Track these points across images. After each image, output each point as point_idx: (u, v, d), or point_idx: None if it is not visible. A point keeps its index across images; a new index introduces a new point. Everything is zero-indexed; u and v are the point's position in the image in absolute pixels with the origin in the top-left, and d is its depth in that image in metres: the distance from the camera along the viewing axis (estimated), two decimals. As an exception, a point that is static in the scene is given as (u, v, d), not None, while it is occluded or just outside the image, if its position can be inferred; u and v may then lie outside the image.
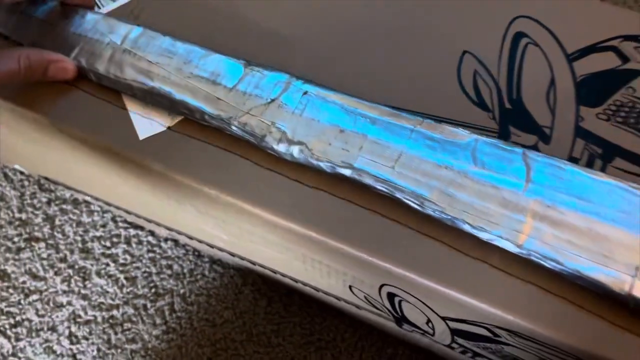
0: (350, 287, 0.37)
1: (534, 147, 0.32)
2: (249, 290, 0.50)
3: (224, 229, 0.38)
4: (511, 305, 0.29)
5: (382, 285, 0.33)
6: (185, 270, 0.51)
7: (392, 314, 0.38)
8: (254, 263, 0.45)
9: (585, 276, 0.28)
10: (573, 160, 0.32)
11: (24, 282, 0.51)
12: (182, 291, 0.50)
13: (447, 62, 0.35)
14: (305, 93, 0.32)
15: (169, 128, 0.33)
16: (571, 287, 0.29)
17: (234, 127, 0.32)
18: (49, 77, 0.34)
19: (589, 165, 0.32)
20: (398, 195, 0.30)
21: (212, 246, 0.46)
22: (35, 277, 0.51)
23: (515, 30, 0.36)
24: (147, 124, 0.33)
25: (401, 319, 0.39)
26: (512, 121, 0.33)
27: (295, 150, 0.31)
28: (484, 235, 0.29)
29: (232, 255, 0.45)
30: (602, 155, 0.32)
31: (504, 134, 0.33)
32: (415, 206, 0.30)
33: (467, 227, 0.29)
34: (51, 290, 0.51)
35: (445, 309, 0.32)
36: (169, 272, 0.51)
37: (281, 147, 0.31)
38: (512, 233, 0.29)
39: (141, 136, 0.33)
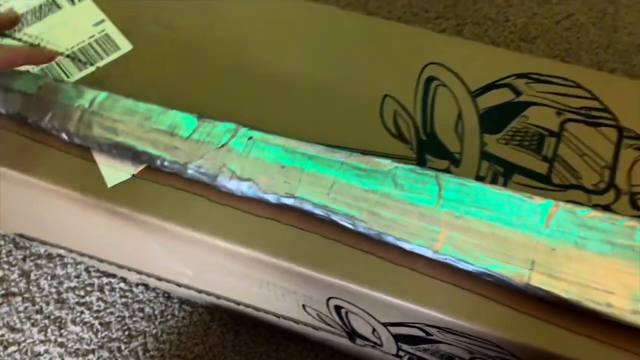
0: (303, 306, 0.41)
1: (447, 170, 0.38)
2: (217, 325, 0.54)
3: (188, 263, 0.43)
4: (435, 303, 0.34)
5: (329, 299, 0.38)
6: (156, 312, 0.54)
7: (343, 328, 0.43)
8: (218, 297, 0.49)
9: (492, 272, 0.33)
10: (479, 178, 0.38)
11: (2, 335, 0.53)
12: (154, 331, 0.53)
13: (371, 105, 0.41)
14: (250, 138, 0.38)
15: (133, 175, 0.38)
16: (483, 284, 0.34)
17: (190, 171, 0.37)
18: None
19: (493, 182, 0.38)
20: (333, 217, 0.35)
21: (179, 285, 0.50)
22: (13, 329, 0.54)
23: (427, 75, 0.43)
24: (114, 173, 0.38)
25: (352, 333, 0.43)
26: (427, 150, 0.39)
27: (244, 186, 0.36)
28: (406, 246, 0.34)
29: (199, 291, 0.49)
30: (503, 173, 0.38)
31: (421, 161, 0.39)
32: (348, 225, 0.35)
33: (391, 240, 0.34)
34: (29, 340, 0.53)
35: (383, 313, 0.37)
36: (141, 314, 0.54)
37: (232, 184, 0.36)
38: (430, 242, 0.34)
39: (109, 184, 0.38)
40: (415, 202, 0.35)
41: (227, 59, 0.44)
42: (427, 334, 0.37)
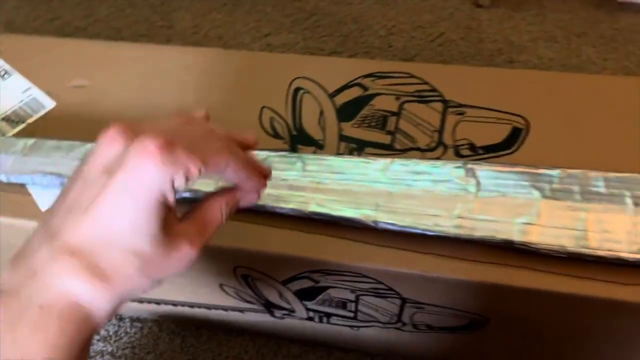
0: (221, 286, 0.50)
1: (314, 153, 0.48)
2: (166, 334, 0.61)
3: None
4: (309, 249, 0.43)
5: (234, 269, 0.46)
6: (110, 333, 0.61)
7: (259, 301, 0.51)
8: (158, 302, 0.57)
9: (348, 218, 0.42)
10: (339, 155, 0.48)
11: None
12: (110, 349, 0.60)
13: (252, 115, 0.51)
14: None
15: (64, 199, 0.47)
16: (343, 229, 0.43)
17: None
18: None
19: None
20: None
21: (124, 299, 0.57)
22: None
23: (294, 87, 0.53)
24: (46, 199, 0.47)
25: (267, 304, 0.51)
26: (298, 142, 0.49)
27: None
28: (282, 211, 0.43)
29: (141, 302, 0.57)
30: (357, 148, 0.48)
31: (294, 150, 0.49)
32: None
33: (270, 208, 0.43)
34: (-2, 377, 0.60)
35: (276, 270, 0.45)
36: (97, 337, 0.61)
37: None
38: (300, 204, 0.43)
39: (43, 208, 0.47)
40: (286, 177, 0.45)
41: (132, 100, 0.54)
42: (315, 281, 0.45)
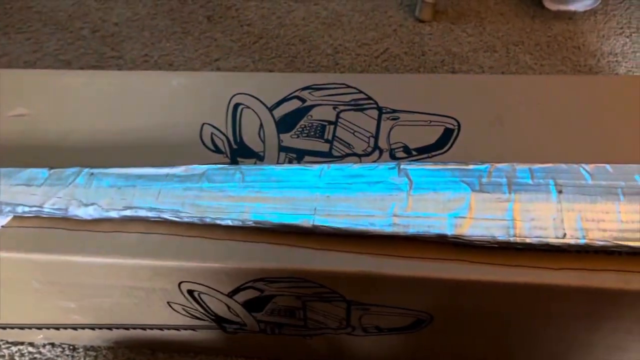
0: (169, 304, 0.49)
1: (255, 164, 0.49)
2: (121, 361, 0.60)
3: (67, 294, 0.50)
4: (244, 259, 0.43)
5: (180, 284, 0.46)
6: (64, 364, 0.60)
7: (208, 316, 0.51)
8: (110, 327, 0.56)
9: (286, 224, 0.43)
10: (278, 164, 0.49)
11: None
12: (64, 381, 0.59)
13: (192, 132, 0.52)
14: (92, 174, 0.47)
15: (2, 227, 0.47)
16: (285, 235, 0.44)
17: (46, 209, 0.46)
18: None
19: (289, 165, 0.49)
20: (163, 215, 0.44)
21: (75, 328, 0.57)
22: None
23: (234, 102, 0.54)
24: (-15, 226, 0.47)
25: (218, 319, 0.51)
26: (239, 155, 0.50)
27: (90, 210, 0.45)
28: (222, 222, 0.44)
29: (92, 328, 0.56)
30: (297, 158, 0.49)
31: (235, 163, 0.49)
32: (176, 219, 0.44)
33: (210, 220, 0.44)
34: (-53, 418, 0.58)
35: (220, 283, 0.45)
36: (50, 369, 0.60)
37: (80, 211, 0.45)
38: (240, 214, 0.44)
39: (-18, 235, 0.46)
40: (224, 189, 0.45)
41: (73, 126, 0.54)
42: (260, 290, 0.46)
